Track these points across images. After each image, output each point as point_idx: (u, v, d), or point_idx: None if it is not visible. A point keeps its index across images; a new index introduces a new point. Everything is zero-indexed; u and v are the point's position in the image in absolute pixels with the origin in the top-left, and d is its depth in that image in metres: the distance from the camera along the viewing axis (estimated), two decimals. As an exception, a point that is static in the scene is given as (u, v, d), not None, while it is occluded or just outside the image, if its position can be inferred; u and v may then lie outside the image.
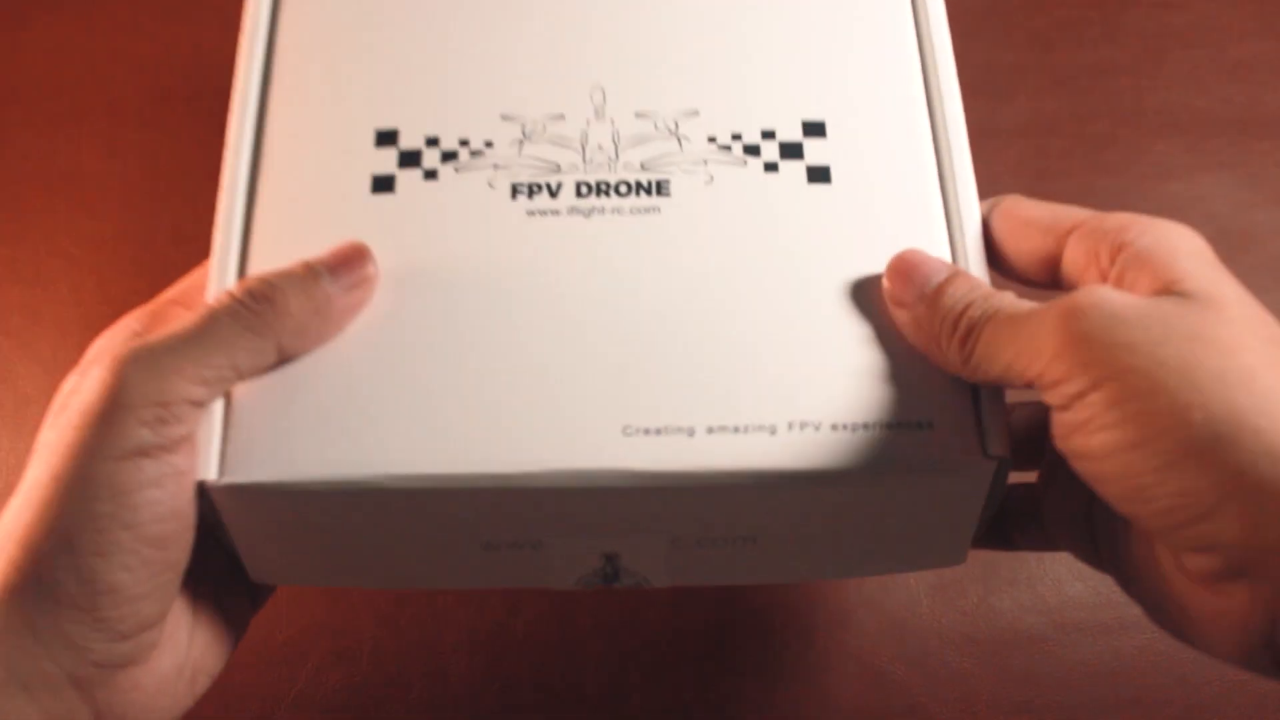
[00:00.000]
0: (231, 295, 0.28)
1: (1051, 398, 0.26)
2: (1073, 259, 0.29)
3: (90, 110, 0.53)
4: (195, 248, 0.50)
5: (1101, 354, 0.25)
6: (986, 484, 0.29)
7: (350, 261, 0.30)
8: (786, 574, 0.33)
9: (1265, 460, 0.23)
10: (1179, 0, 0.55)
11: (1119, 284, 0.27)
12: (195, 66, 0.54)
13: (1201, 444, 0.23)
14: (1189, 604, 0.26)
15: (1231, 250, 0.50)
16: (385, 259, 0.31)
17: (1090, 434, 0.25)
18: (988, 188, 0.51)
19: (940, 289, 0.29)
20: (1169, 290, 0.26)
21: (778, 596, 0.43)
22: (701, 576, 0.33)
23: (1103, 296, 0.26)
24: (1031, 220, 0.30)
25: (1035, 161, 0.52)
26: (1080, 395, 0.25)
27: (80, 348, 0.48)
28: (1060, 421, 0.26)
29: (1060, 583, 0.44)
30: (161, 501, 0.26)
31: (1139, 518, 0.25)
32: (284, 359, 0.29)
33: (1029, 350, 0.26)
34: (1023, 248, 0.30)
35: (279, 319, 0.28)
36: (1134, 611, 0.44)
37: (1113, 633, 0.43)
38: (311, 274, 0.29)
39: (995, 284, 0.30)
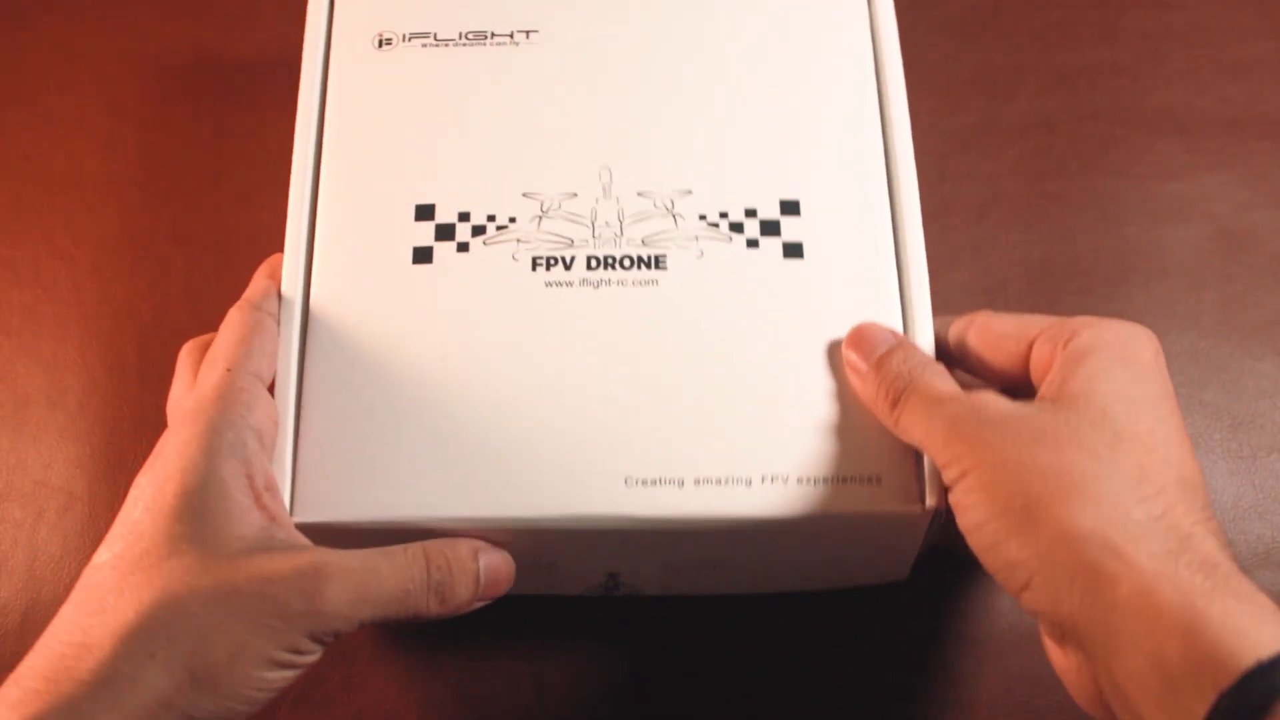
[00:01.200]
0: (427, 573, 0.33)
1: (944, 477, 0.32)
2: (1035, 362, 0.33)
3: (90, 110, 0.53)
4: (195, 247, 0.50)
5: (971, 449, 0.30)
6: (924, 529, 0.35)
7: (500, 588, 0.35)
8: (758, 587, 0.41)
9: (1061, 542, 0.28)
10: (1179, 0, 0.55)
11: (1053, 384, 0.31)
12: (195, 66, 0.54)
13: (1021, 526, 0.28)
14: (1053, 658, 0.31)
15: (1231, 250, 0.50)
16: (425, 326, 0.36)
17: (963, 511, 0.31)
18: (988, 188, 0.51)
19: (882, 359, 0.34)
20: (1059, 390, 0.31)
21: (775, 597, 0.43)
22: (687, 588, 0.40)
23: (984, 403, 0.31)
24: (1004, 334, 0.34)
25: (1035, 161, 0.52)
26: (956, 480, 0.31)
27: (80, 348, 0.49)
28: (950, 499, 0.32)
29: (1060, 583, 0.44)
30: (295, 679, 0.32)
31: (999, 585, 0.30)
32: None
33: (931, 435, 0.32)
34: (999, 359, 0.34)
35: (439, 610, 0.33)
36: (1134, 611, 0.44)
37: (1113, 633, 0.43)
38: (477, 596, 0.34)
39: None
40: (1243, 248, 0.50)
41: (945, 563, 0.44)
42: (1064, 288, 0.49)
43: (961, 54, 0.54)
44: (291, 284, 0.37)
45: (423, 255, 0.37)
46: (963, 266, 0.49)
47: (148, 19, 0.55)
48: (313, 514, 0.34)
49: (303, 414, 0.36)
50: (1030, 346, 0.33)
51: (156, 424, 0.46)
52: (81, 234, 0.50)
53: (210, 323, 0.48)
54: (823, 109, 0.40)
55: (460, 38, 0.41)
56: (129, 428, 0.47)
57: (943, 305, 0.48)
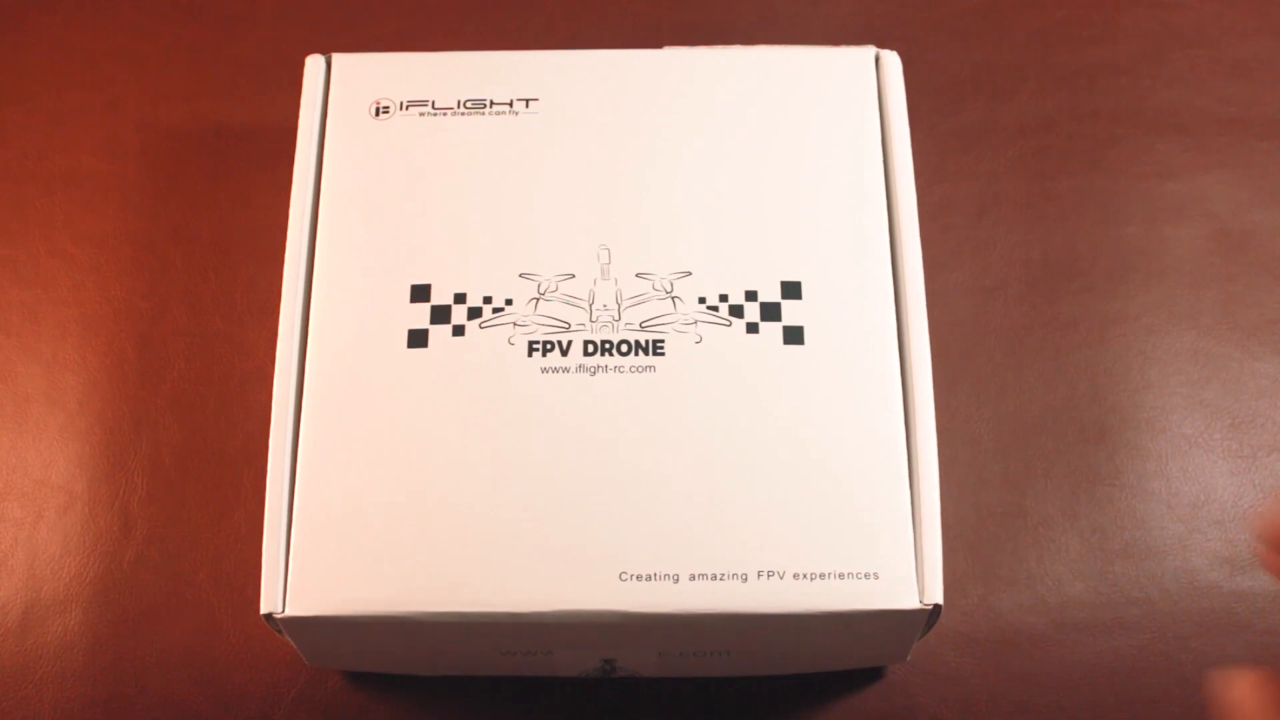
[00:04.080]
0: None
1: None
2: None
3: (90, 110, 0.53)
4: (195, 247, 0.50)
5: None
6: (922, 623, 0.35)
7: None
8: (755, 671, 0.41)
9: None
10: (1179, 0, 0.55)
11: None
12: (195, 67, 0.54)
13: None
14: None
15: (1231, 250, 0.50)
16: (420, 414, 0.36)
17: None
18: (988, 187, 0.51)
19: None
20: None
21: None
22: (684, 672, 0.41)
23: None
24: None
25: (1035, 161, 0.52)
26: None
27: (80, 347, 0.49)
28: None
29: (1060, 583, 0.44)
30: None
31: None
32: None
33: None
34: None
35: None
36: (1134, 611, 0.44)
37: (1113, 633, 0.43)
38: None
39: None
40: (1243, 248, 0.50)
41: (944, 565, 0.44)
42: (1064, 288, 0.49)
43: (961, 54, 0.54)
44: (285, 365, 0.37)
45: (418, 339, 0.37)
46: (962, 266, 0.49)
47: (148, 19, 0.55)
48: (306, 608, 0.34)
49: (296, 506, 0.35)
50: None
51: (156, 424, 0.47)
52: (81, 234, 0.50)
53: (209, 322, 0.48)
54: (827, 187, 0.39)
55: (459, 106, 0.40)
56: (129, 427, 0.47)
57: (942, 305, 0.48)
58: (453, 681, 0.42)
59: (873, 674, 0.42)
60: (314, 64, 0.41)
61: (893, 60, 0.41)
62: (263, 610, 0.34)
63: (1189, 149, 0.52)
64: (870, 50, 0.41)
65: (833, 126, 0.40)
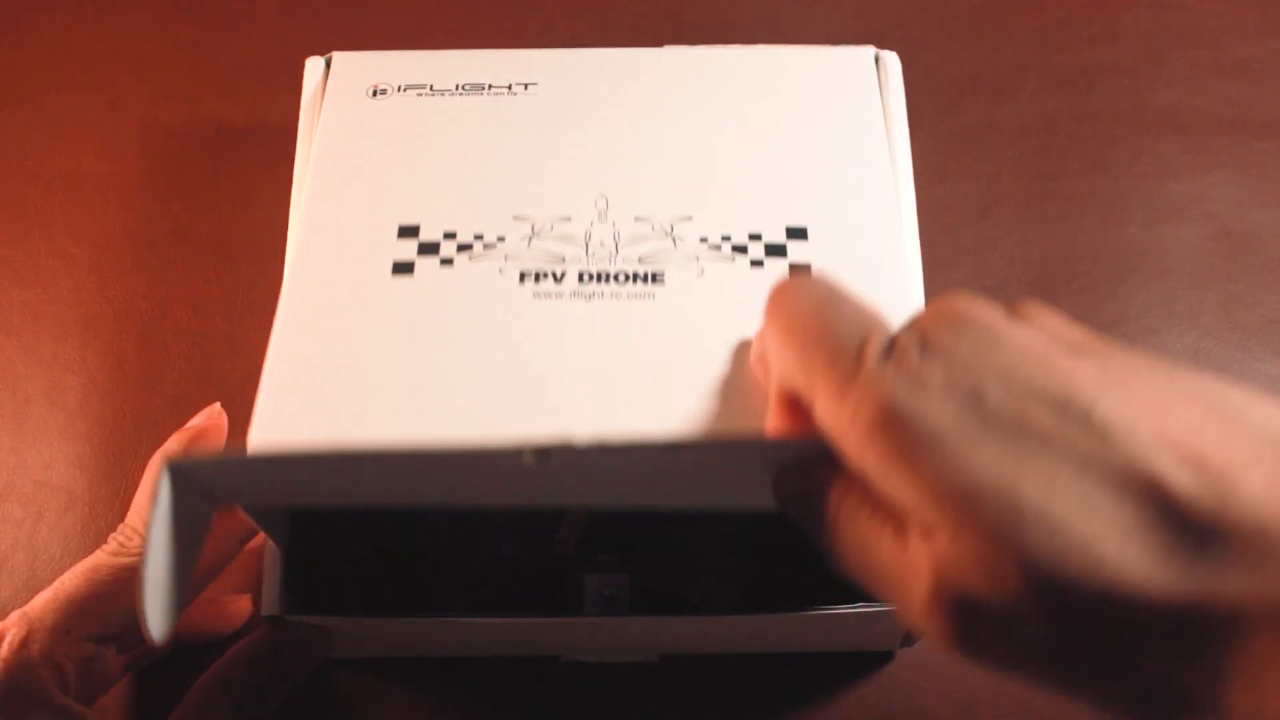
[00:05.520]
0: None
1: None
2: None
3: (90, 110, 0.53)
4: (194, 246, 0.50)
5: None
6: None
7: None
8: (756, 650, 0.42)
9: None
10: (1179, 0, 0.55)
11: None
12: (195, 67, 0.54)
13: None
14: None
15: (1232, 250, 0.50)
16: (402, 331, 0.33)
17: None
18: (988, 188, 0.51)
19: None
20: None
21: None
22: (687, 650, 0.41)
23: None
24: None
25: (1035, 161, 0.52)
26: None
27: (80, 348, 0.49)
28: None
29: (1060, 583, 0.44)
30: None
31: None
32: None
33: None
34: None
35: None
36: (1134, 611, 0.44)
37: (1113, 633, 0.43)
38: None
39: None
40: (1243, 248, 0.50)
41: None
42: (1064, 287, 0.49)
43: (961, 54, 0.54)
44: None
45: (403, 268, 0.35)
46: (963, 266, 0.49)
47: (148, 19, 0.55)
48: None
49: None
50: None
51: (156, 424, 0.47)
52: (81, 234, 0.50)
53: (210, 322, 0.48)
54: (829, 129, 0.38)
55: (457, 89, 0.40)
56: (129, 427, 0.47)
57: (943, 305, 0.48)
58: (453, 680, 0.42)
59: (875, 672, 0.42)
60: (314, 65, 0.41)
61: (893, 60, 0.40)
62: (264, 612, 0.34)
63: (1189, 149, 0.52)
64: (870, 50, 0.41)
65: (835, 106, 0.39)
